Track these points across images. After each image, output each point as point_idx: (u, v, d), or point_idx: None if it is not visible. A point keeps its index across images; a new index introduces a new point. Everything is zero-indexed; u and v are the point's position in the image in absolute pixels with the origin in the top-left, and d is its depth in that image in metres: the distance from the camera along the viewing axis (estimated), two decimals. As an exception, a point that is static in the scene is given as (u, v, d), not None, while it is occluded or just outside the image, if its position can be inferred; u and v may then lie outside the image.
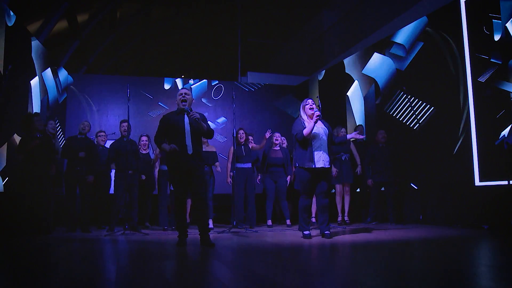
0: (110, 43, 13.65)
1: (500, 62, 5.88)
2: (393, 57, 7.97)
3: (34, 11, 9.04)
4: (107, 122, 9.52)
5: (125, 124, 6.52)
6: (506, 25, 5.76)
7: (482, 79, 6.15)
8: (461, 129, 6.44)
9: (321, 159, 4.93)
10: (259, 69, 13.45)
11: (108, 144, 7.28)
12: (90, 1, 11.05)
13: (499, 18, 5.87)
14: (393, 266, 3.07)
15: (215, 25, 15.61)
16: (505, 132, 5.75)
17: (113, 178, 6.76)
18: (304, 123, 5.00)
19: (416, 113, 7.31)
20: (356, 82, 9.04)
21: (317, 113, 4.91)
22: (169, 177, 4.68)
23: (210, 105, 10.29)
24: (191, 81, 10.30)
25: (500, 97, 5.86)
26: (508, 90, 5.75)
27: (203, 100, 10.26)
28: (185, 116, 4.48)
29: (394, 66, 7.92)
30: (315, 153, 4.93)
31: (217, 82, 10.45)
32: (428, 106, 7.10)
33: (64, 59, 10.94)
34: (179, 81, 10.22)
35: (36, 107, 7.63)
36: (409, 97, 7.48)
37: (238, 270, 3.02)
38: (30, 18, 8.96)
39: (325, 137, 5.00)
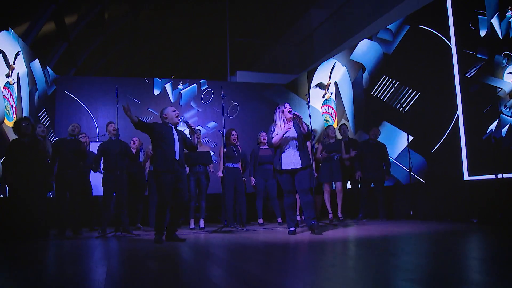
0: (99, 45, 13.57)
1: (486, 58, 5.94)
2: (380, 41, 8.05)
3: (21, 13, 8.95)
4: (97, 124, 9.46)
5: (112, 124, 6.53)
6: (491, 21, 5.83)
7: (469, 75, 6.20)
8: (451, 122, 6.50)
9: (290, 160, 5.11)
10: (248, 68, 13.44)
11: (92, 145, 7.26)
12: (78, 2, 10.97)
13: (484, 14, 5.94)
14: (384, 261, 3.09)
15: (203, 25, 15.58)
16: (493, 126, 5.81)
17: (99, 180, 6.72)
18: (274, 130, 5.21)
19: (402, 99, 7.45)
20: (344, 68, 9.10)
21: (290, 116, 5.15)
22: (157, 179, 4.96)
23: (199, 109, 10.23)
24: (181, 86, 10.21)
25: (487, 92, 5.93)
26: (494, 85, 5.81)
27: (192, 104, 10.20)
28: (173, 128, 5.09)
29: (381, 50, 8.00)
30: (283, 155, 5.14)
31: (206, 86, 10.37)
32: (415, 92, 7.22)
33: (52, 61, 10.86)
34: (168, 87, 10.13)
35: (24, 97, 7.58)
36: (393, 82, 7.59)
37: (229, 269, 3.02)
38: (17, 20, 8.88)
39: (294, 139, 5.14)
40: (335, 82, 9.39)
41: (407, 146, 7.04)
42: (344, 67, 9.12)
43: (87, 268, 3.26)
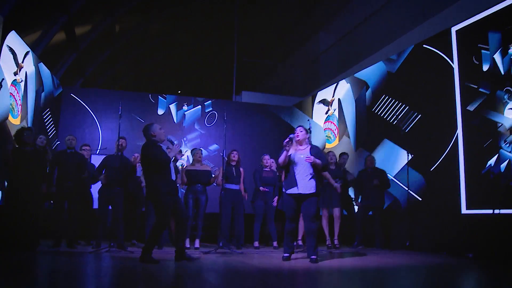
0: (107, 57, 13.73)
1: (488, 92, 5.97)
2: (385, 59, 8.13)
3: (32, 23, 9.10)
4: (100, 136, 9.49)
5: (121, 140, 6.52)
6: (494, 56, 5.87)
7: (471, 108, 6.23)
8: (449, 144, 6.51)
9: (301, 185, 5.02)
10: (254, 89, 13.52)
11: (93, 158, 7.29)
12: (90, 14, 11.13)
13: (487, 49, 5.98)
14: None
15: (211, 43, 15.75)
16: (492, 161, 5.81)
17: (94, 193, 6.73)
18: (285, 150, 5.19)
19: (401, 118, 7.52)
20: (348, 85, 9.16)
21: (285, 141, 5.18)
22: (158, 200, 4.79)
23: (203, 131, 10.26)
24: (185, 107, 10.25)
25: (487, 127, 5.93)
26: (495, 120, 5.83)
27: (195, 126, 10.23)
28: (163, 147, 5.02)
29: (385, 68, 8.07)
30: (296, 178, 5.05)
31: (210, 109, 10.42)
32: (414, 111, 7.28)
33: (60, 70, 10.99)
34: (173, 107, 10.15)
35: (30, 97, 7.72)
36: (395, 101, 7.65)
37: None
38: (28, 30, 9.02)
39: (307, 164, 5.04)
40: (339, 99, 9.45)
41: (406, 164, 7.06)
42: (348, 84, 9.20)
43: (74, 285, 3.25)
